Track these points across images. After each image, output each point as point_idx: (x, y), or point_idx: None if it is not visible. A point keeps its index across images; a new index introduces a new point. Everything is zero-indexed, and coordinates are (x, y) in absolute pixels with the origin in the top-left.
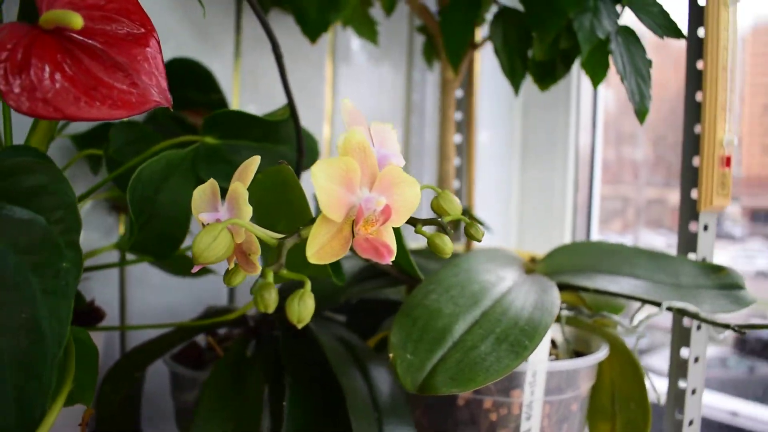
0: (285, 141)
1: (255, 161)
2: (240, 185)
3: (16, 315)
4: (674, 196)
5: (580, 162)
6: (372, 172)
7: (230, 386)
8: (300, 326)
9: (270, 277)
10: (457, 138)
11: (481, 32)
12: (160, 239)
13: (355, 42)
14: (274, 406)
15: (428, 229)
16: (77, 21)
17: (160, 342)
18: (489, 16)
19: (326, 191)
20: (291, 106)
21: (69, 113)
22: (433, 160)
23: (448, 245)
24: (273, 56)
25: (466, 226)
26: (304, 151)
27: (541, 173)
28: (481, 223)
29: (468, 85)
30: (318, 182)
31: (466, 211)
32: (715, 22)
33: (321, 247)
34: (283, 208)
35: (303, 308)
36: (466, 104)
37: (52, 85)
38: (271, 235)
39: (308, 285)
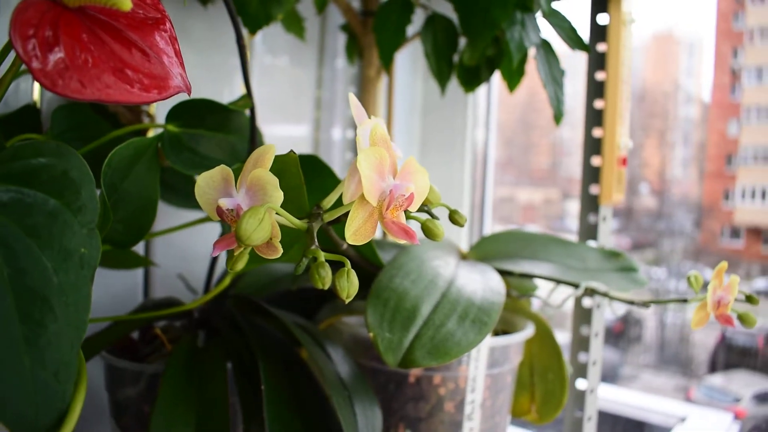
0: (236, 131)
1: (270, 149)
2: (265, 172)
3: (29, 301)
4: (523, 194)
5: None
6: (392, 162)
7: (190, 378)
8: (347, 301)
9: (322, 257)
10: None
11: None
12: (127, 227)
13: (265, 37)
14: (243, 392)
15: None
16: (126, 4)
17: (100, 337)
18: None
19: (368, 178)
20: (250, 97)
21: (103, 95)
22: (342, 156)
23: (441, 230)
24: (186, 45)
25: (451, 213)
26: (257, 142)
27: (439, 170)
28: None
29: (389, 82)
30: (363, 170)
31: None
32: (617, 40)
33: (357, 228)
34: None
35: (350, 285)
36: (386, 101)
37: (85, 65)
38: (296, 221)
39: (348, 264)
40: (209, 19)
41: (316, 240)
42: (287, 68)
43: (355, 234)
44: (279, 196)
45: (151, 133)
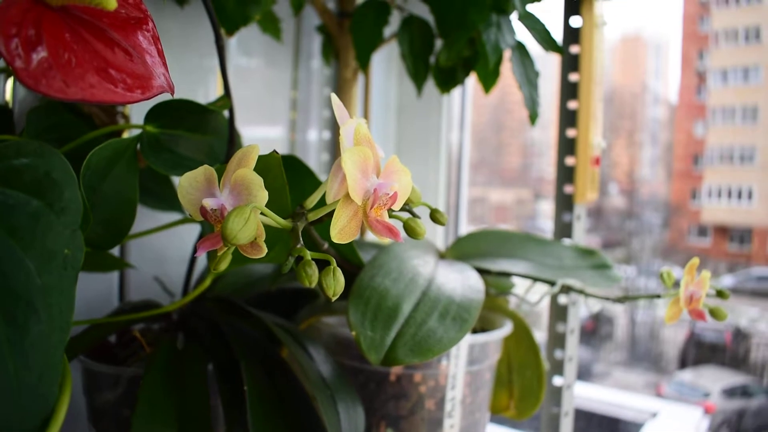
0: (214, 132)
1: (254, 149)
2: (250, 171)
3: (12, 303)
4: (495, 195)
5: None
6: (376, 161)
7: (170, 380)
8: (334, 299)
9: (308, 255)
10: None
11: None
12: (106, 229)
13: (240, 38)
14: (224, 394)
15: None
16: (111, 3)
17: (77, 341)
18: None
19: (353, 177)
20: (229, 98)
21: (87, 95)
22: (317, 157)
23: (422, 228)
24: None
25: (432, 211)
26: (235, 142)
27: (415, 171)
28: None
29: (365, 83)
30: (348, 169)
31: None
32: (590, 42)
33: (342, 227)
34: None
35: (336, 283)
36: (363, 102)
37: (68, 64)
38: (281, 221)
39: (334, 262)
40: (184, 20)
41: (301, 239)
42: (262, 69)
43: (340, 232)
44: (264, 195)
45: (126, 134)
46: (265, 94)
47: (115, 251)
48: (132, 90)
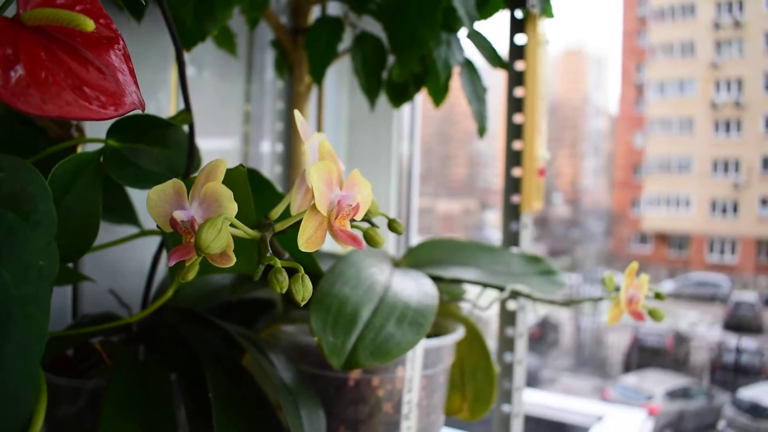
0: (173, 146)
1: (222, 163)
2: (219, 184)
3: None
4: (442, 205)
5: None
6: (339, 175)
7: (134, 391)
8: (302, 304)
9: (278, 264)
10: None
11: None
12: (69, 243)
13: (193, 52)
14: (189, 403)
15: None
16: (90, 24)
17: None
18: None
19: (319, 190)
20: (189, 112)
21: (64, 112)
22: (271, 169)
23: (381, 237)
24: None
25: (389, 221)
26: (194, 156)
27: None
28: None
29: (318, 97)
30: (314, 182)
31: None
32: (534, 59)
33: (309, 237)
34: None
35: (305, 289)
36: (316, 115)
37: (45, 82)
38: (250, 231)
39: (302, 269)
40: (136, 35)
41: (270, 248)
42: (215, 82)
43: (307, 242)
44: (234, 207)
45: (80, 149)
46: (219, 107)
47: (68, 264)
48: (105, 107)
